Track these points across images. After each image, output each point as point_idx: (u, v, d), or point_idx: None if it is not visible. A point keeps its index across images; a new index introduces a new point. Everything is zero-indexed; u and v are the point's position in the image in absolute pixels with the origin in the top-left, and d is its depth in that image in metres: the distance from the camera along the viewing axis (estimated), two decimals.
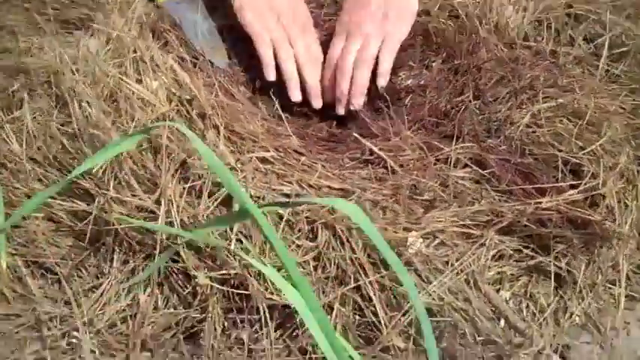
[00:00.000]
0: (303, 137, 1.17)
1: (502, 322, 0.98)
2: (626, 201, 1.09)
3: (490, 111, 1.19)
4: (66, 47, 1.20)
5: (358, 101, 1.17)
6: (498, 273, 1.03)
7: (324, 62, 1.23)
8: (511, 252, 1.02)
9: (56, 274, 1.01)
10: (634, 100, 1.22)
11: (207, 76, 1.22)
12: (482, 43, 1.30)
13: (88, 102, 1.00)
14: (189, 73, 1.15)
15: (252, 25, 1.19)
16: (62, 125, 1.06)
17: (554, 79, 1.23)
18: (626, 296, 1.07)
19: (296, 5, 1.25)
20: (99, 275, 1.00)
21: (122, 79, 1.02)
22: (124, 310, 0.98)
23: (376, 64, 1.17)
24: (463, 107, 1.20)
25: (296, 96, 1.19)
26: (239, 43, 1.29)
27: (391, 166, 1.07)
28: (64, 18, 1.32)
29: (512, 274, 1.05)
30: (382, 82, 1.17)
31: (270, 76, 1.18)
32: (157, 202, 0.95)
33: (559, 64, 1.28)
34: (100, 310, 0.98)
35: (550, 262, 1.03)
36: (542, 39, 1.33)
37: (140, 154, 0.97)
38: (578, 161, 1.10)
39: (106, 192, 0.94)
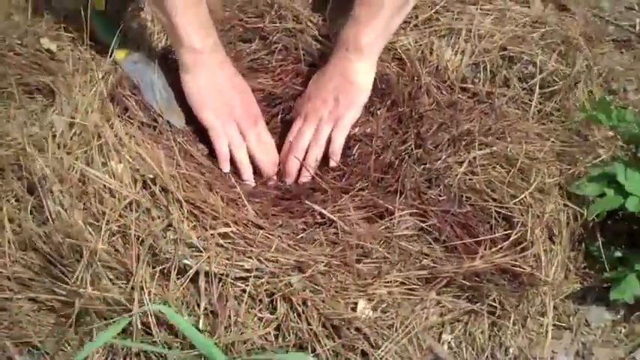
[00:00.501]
0: (259, 196, 1.28)
1: None
2: (552, 246, 1.21)
3: (431, 160, 1.29)
4: (30, 121, 1.27)
5: (306, 177, 1.32)
6: (440, 319, 1.15)
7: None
8: (449, 304, 1.14)
9: (42, 349, 1.11)
10: (562, 143, 1.33)
11: (167, 139, 1.31)
12: (424, 89, 1.39)
13: (60, 198, 1.09)
14: (150, 144, 1.24)
15: (209, 121, 1.32)
16: (35, 209, 1.15)
17: (490, 125, 1.33)
18: (554, 326, 1.20)
19: (248, 102, 1.37)
20: (81, 349, 1.11)
21: (88, 171, 1.11)
22: None
23: (328, 143, 1.32)
24: (407, 156, 1.30)
25: (250, 181, 1.33)
26: None
27: (341, 227, 1.18)
28: (26, 82, 1.39)
29: (452, 318, 1.17)
30: (333, 163, 1.32)
31: (225, 168, 1.32)
32: (131, 287, 1.05)
33: (494, 106, 1.38)
34: None
35: (486, 304, 1.15)
36: (479, 81, 1.42)
37: (112, 245, 1.07)
38: (509, 212, 1.21)
39: (84, 289, 1.04)
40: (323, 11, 1.54)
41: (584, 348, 1.20)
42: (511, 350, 1.16)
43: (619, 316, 1.23)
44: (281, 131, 1.44)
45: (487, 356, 1.15)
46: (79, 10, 1.45)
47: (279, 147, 1.40)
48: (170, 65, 1.42)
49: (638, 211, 1.18)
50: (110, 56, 1.39)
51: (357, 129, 1.38)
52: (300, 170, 1.34)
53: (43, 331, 1.12)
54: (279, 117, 1.47)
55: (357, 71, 1.33)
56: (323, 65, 1.40)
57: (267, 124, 1.42)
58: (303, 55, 1.50)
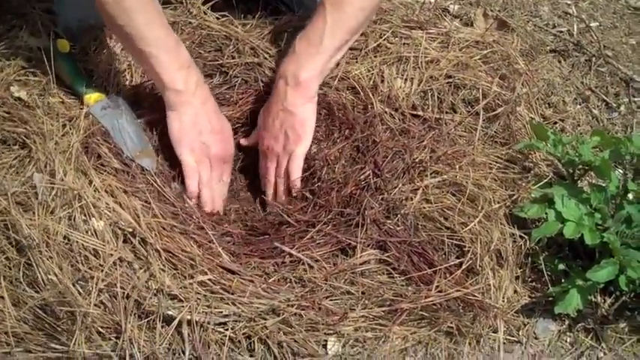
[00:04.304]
0: (230, 234, 1.38)
1: None
2: (500, 270, 1.34)
3: (388, 189, 1.40)
4: (10, 175, 1.35)
5: (281, 201, 1.46)
6: (403, 344, 1.28)
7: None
8: (410, 332, 1.27)
9: None
10: (506, 168, 1.45)
11: (140, 182, 1.39)
12: (378, 117, 1.50)
13: (48, 262, 1.18)
14: (127, 193, 1.33)
15: (185, 158, 1.43)
16: (25, 267, 1.24)
17: (440, 153, 1.44)
18: (506, 340, 1.34)
19: (224, 142, 1.47)
20: None
21: (73, 234, 1.20)
22: None
23: (288, 175, 1.44)
24: (366, 186, 1.41)
25: (210, 211, 1.46)
26: (164, 137, 1.46)
27: (308, 266, 1.29)
28: (0, 137, 1.44)
29: (414, 342, 1.29)
30: (294, 191, 1.44)
31: (191, 203, 1.42)
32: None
33: (443, 133, 1.49)
34: None
35: (443, 329, 1.28)
36: (428, 107, 1.53)
37: (101, 302, 1.17)
38: (460, 240, 1.34)
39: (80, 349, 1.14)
40: (279, 42, 1.62)
41: (534, 359, 1.34)
42: None
43: (564, 327, 1.36)
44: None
45: None
46: (45, 49, 1.52)
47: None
48: (140, 104, 1.50)
49: (574, 237, 1.30)
50: (80, 101, 1.47)
51: (321, 154, 1.48)
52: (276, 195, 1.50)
53: None
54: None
55: (298, 104, 1.43)
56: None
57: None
58: (262, 86, 1.58)
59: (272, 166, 1.47)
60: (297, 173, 1.44)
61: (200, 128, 1.42)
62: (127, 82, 1.57)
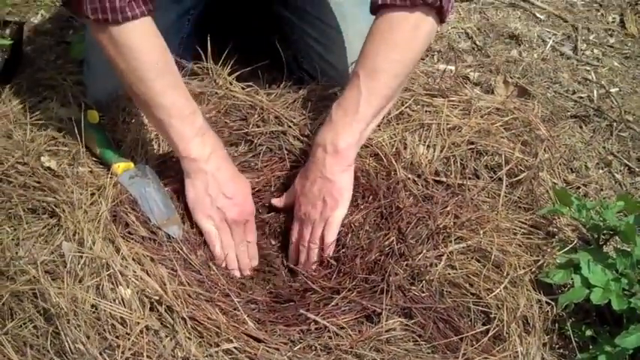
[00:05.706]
0: (255, 302, 1.38)
1: None
2: (528, 337, 1.33)
3: (412, 255, 1.40)
4: (39, 244, 1.37)
5: (311, 269, 1.46)
6: None
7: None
8: None
9: None
10: (530, 234, 1.45)
11: (167, 251, 1.41)
12: (401, 184, 1.51)
13: (76, 330, 1.19)
14: (153, 262, 1.35)
15: (203, 226, 1.46)
16: (53, 336, 1.25)
17: (464, 219, 1.45)
18: None
19: (241, 204, 1.48)
20: None
21: (101, 302, 1.21)
22: None
23: (323, 239, 1.45)
24: (391, 252, 1.42)
25: (235, 275, 1.48)
26: None
27: (334, 333, 1.29)
28: (30, 202, 1.47)
29: None
30: (327, 253, 1.45)
31: (223, 265, 1.46)
32: None
33: (466, 198, 1.50)
34: None
35: None
36: (451, 173, 1.54)
37: None
38: (486, 307, 1.33)
39: None
40: (303, 111, 1.65)
41: None
42: None
43: None
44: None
45: None
46: (75, 120, 1.56)
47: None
48: (166, 173, 1.53)
49: (602, 303, 1.29)
50: (108, 170, 1.50)
51: (345, 220, 1.48)
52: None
53: None
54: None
55: (336, 172, 1.44)
56: (304, 162, 1.52)
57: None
58: (287, 154, 1.61)
59: (307, 232, 1.46)
60: (331, 238, 1.45)
61: (213, 194, 1.44)
62: (154, 152, 1.60)
